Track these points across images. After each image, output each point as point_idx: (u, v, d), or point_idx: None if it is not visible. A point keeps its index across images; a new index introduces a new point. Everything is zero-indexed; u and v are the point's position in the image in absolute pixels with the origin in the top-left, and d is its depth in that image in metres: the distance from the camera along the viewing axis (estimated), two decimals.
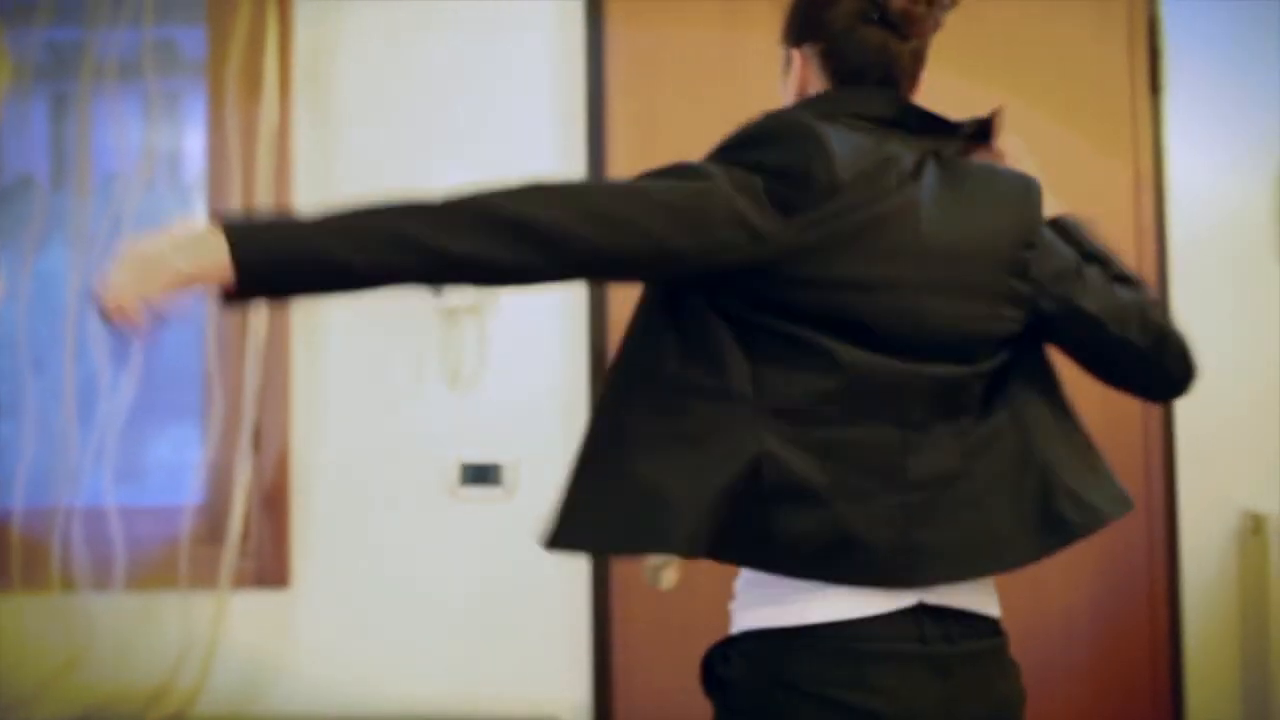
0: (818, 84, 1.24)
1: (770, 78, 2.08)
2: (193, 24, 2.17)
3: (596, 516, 1.10)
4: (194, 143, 2.20)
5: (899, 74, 1.24)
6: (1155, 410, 2.04)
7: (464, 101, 2.11)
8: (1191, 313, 2.06)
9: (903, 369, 1.12)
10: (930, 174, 1.18)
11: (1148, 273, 2.06)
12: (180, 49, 2.24)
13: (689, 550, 1.06)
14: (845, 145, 1.11)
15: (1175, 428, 2.05)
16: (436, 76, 2.12)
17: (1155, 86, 2.08)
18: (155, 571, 2.03)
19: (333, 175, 2.12)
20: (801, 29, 1.25)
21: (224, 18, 2.10)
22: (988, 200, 1.23)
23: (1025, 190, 1.27)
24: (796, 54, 1.26)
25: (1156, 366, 1.29)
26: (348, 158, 2.12)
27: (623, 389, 1.14)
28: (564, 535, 1.12)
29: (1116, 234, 2.07)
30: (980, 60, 2.09)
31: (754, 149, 1.11)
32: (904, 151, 1.17)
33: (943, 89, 2.05)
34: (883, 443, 1.11)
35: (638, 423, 1.11)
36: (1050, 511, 1.16)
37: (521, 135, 2.11)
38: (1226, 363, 2.06)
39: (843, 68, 1.23)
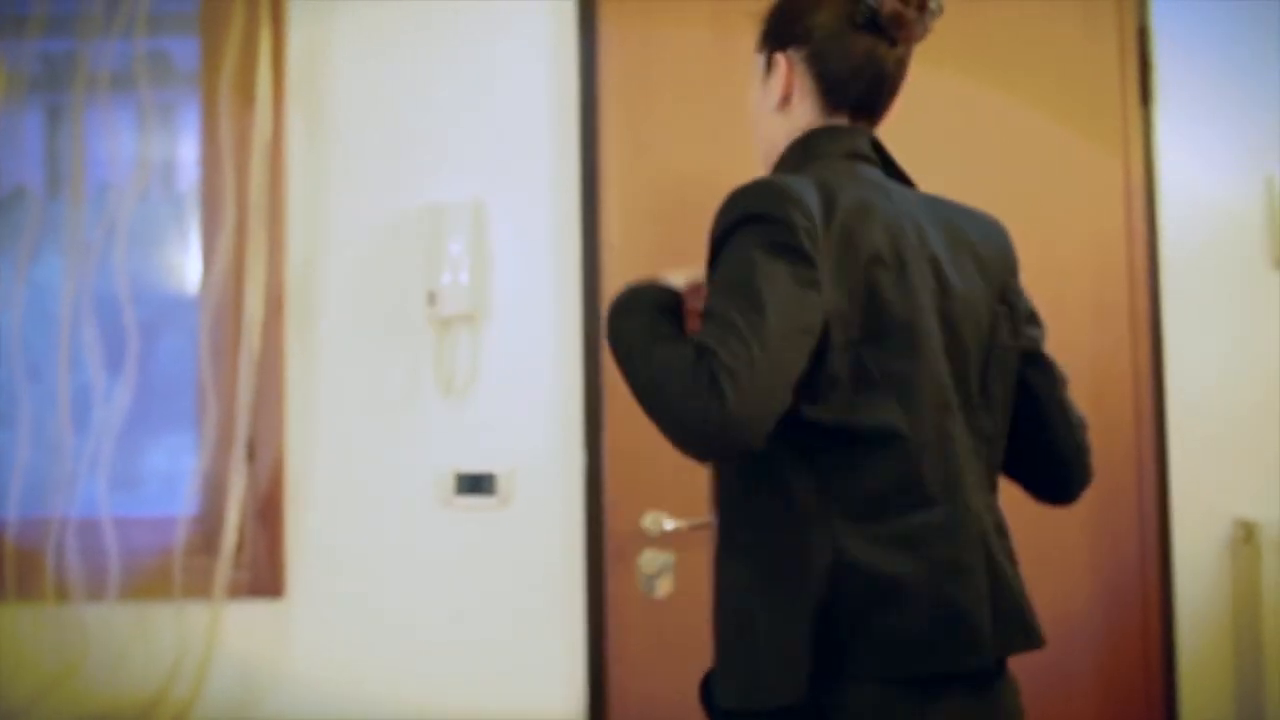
0: (803, 90, 1.24)
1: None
2: (186, 35, 2.17)
3: (738, 679, 1.14)
4: (187, 153, 2.20)
5: (884, 81, 1.24)
6: (1148, 418, 2.05)
7: (457, 111, 2.11)
8: (1184, 321, 2.07)
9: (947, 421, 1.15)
10: (923, 210, 1.21)
11: (1139, 282, 2.07)
12: (173, 60, 2.24)
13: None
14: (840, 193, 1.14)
15: (1168, 435, 2.05)
16: (429, 86, 2.12)
17: (1146, 97, 2.09)
18: (150, 581, 2.03)
19: (326, 186, 2.12)
20: (786, 33, 1.24)
21: (217, 29, 2.10)
22: (981, 236, 1.26)
23: (1002, 228, 1.32)
24: (781, 58, 1.24)
25: (1080, 451, 1.31)
26: (341, 168, 2.12)
27: (724, 534, 1.19)
28: (723, 697, 1.15)
29: (1109, 243, 2.08)
30: (971, 69, 2.09)
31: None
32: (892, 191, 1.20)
33: (937, 104, 2.06)
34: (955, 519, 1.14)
35: (738, 570, 1.15)
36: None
37: (515, 143, 2.11)
38: (1219, 371, 2.06)
39: (828, 73, 1.22)
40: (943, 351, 1.15)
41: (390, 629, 2.05)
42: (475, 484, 2.06)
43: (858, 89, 1.23)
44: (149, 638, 2.04)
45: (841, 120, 1.25)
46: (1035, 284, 2.06)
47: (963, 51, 2.09)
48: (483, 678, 2.04)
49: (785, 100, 1.25)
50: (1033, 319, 1.32)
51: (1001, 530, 1.21)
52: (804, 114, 1.25)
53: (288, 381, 2.08)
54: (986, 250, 1.26)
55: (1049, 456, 1.31)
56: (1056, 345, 2.06)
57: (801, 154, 1.22)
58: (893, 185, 1.23)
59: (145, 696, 2.00)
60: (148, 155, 2.12)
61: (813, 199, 1.10)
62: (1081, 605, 2.03)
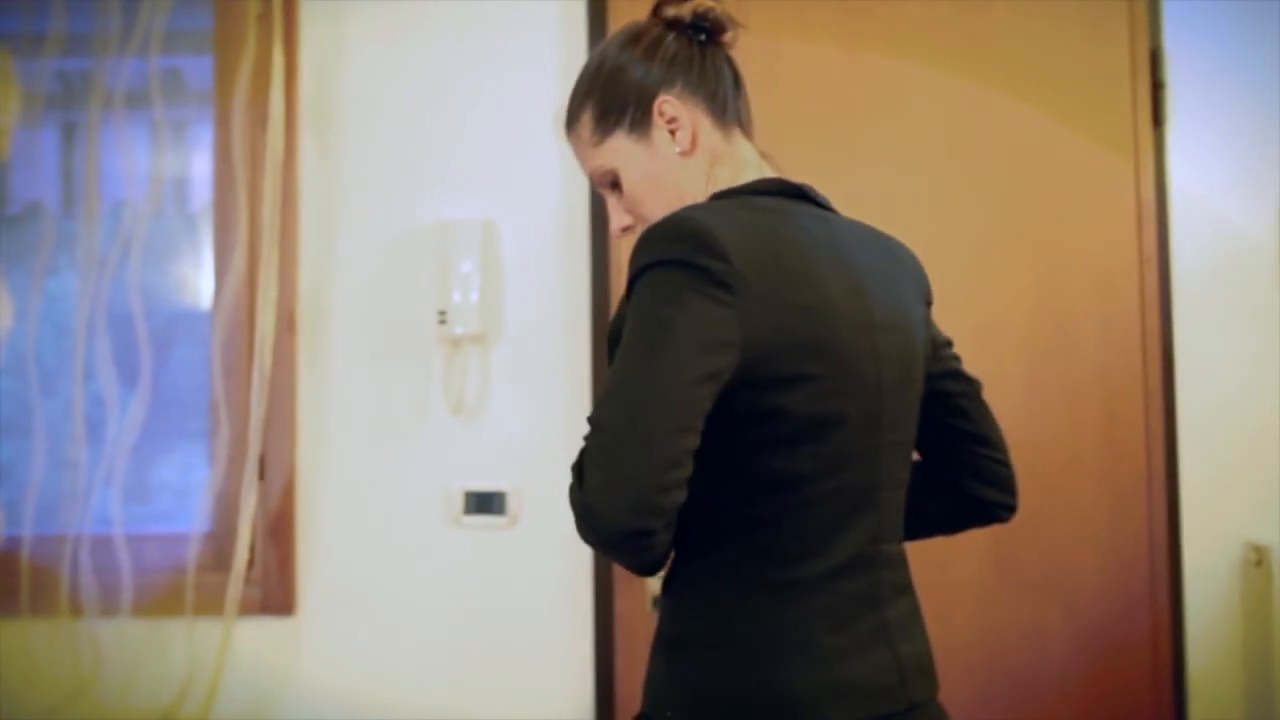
0: (697, 122, 1.17)
1: (768, 81, 2.10)
2: (200, 54, 2.19)
3: None
4: (201, 170, 2.22)
5: (742, 85, 1.22)
6: (1158, 442, 2.04)
7: (467, 130, 2.12)
8: (1195, 343, 2.07)
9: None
10: (851, 238, 1.16)
11: (1151, 303, 2.06)
12: (187, 78, 2.26)
13: None
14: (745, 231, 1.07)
15: (1179, 459, 2.04)
16: (440, 106, 2.13)
17: (1158, 118, 2.08)
18: (162, 598, 2.04)
19: (338, 203, 2.13)
20: (646, 83, 1.17)
21: (231, 48, 2.12)
22: (904, 266, 1.23)
23: (910, 252, 1.27)
24: (667, 104, 1.16)
25: (1003, 467, 1.28)
26: (352, 187, 2.13)
27: None
28: None
29: (1120, 264, 2.07)
30: (983, 89, 2.09)
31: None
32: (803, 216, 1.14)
33: (951, 126, 2.06)
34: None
35: None
36: None
37: (525, 162, 2.11)
38: (1230, 394, 2.06)
39: (717, 93, 1.19)
40: (875, 387, 1.11)
41: (400, 646, 2.06)
42: (485, 502, 2.07)
43: (735, 99, 1.20)
44: (161, 654, 2.06)
45: (737, 136, 1.20)
46: (1046, 304, 2.08)
47: (975, 73, 2.09)
48: (492, 695, 2.05)
49: (694, 141, 1.17)
50: (948, 344, 1.29)
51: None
52: (709, 143, 1.18)
53: (299, 400, 2.09)
54: (910, 280, 1.22)
55: (986, 458, 1.27)
56: (1067, 365, 2.07)
57: (738, 193, 1.16)
58: (823, 214, 1.17)
59: (157, 712, 2.02)
60: (161, 172, 2.13)
61: (732, 233, 1.03)
62: (1091, 626, 2.03)
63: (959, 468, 1.27)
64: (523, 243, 2.10)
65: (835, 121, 2.10)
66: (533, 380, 2.09)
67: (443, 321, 2.06)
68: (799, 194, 1.17)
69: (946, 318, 2.05)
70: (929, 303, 1.27)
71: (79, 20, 2.09)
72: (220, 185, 2.15)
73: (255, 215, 2.09)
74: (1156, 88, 2.08)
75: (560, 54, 2.12)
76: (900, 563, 1.16)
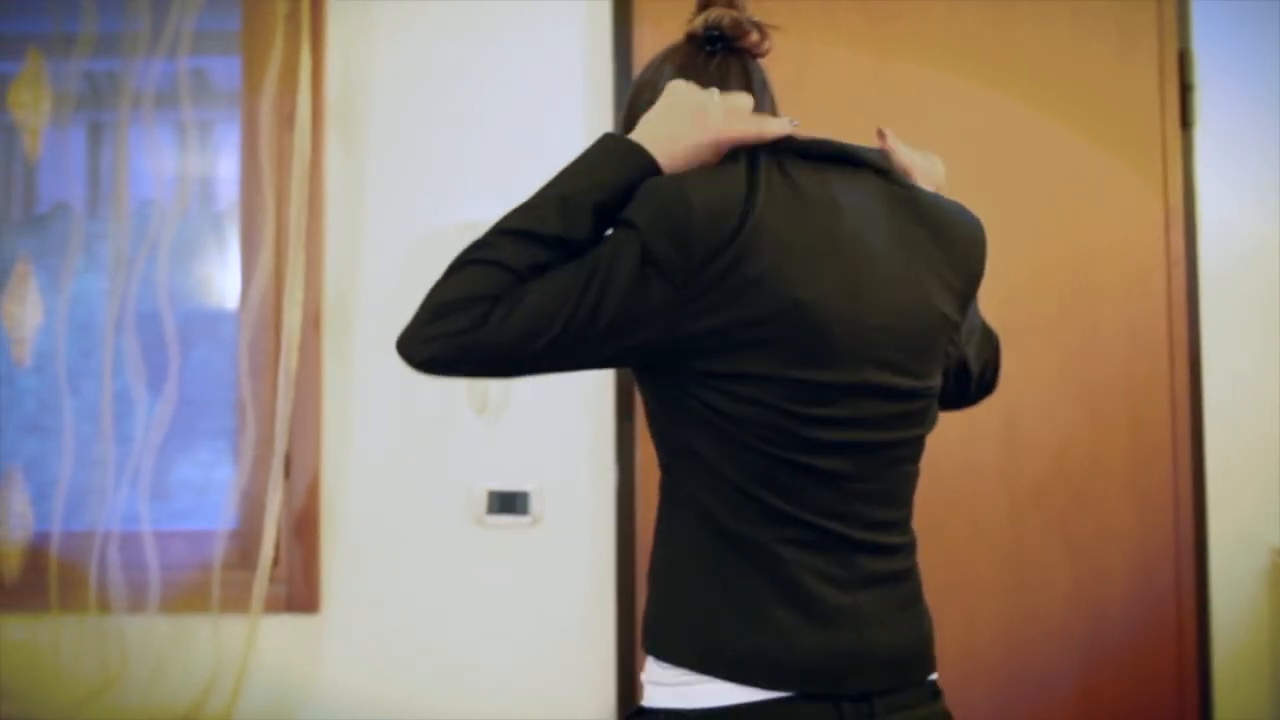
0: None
1: (796, 81, 2.10)
2: (227, 54, 2.20)
3: None
4: (227, 170, 2.23)
5: (753, 89, 1.21)
6: (1184, 445, 2.03)
7: (493, 131, 2.13)
8: (1222, 345, 2.05)
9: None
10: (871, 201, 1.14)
11: (1178, 307, 2.05)
12: (214, 79, 2.27)
13: None
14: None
15: (1205, 462, 2.03)
16: (466, 106, 2.14)
17: (1186, 121, 2.07)
18: (188, 595, 2.06)
19: (364, 203, 2.14)
20: (708, 46, 1.20)
21: (258, 49, 2.13)
22: (937, 237, 1.17)
23: (970, 222, 1.22)
24: (733, 63, 1.20)
25: (978, 383, 1.32)
26: (378, 188, 2.14)
27: None
28: None
29: (1147, 266, 2.06)
30: (1009, 92, 2.08)
31: None
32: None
33: (975, 125, 2.05)
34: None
35: None
36: None
37: (550, 162, 2.10)
38: (1257, 396, 2.04)
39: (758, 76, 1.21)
40: (857, 382, 1.09)
41: (423, 644, 2.07)
42: (508, 502, 2.07)
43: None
44: (187, 650, 2.07)
45: None
46: (1073, 306, 2.07)
47: (1001, 74, 2.09)
48: (515, 694, 2.06)
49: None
50: (971, 331, 1.28)
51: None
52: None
53: (324, 399, 2.11)
54: (946, 261, 1.17)
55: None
56: (1093, 367, 2.06)
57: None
58: (856, 185, 1.14)
59: (182, 708, 2.03)
60: (188, 173, 2.15)
61: (716, 219, 1.04)
62: (1116, 628, 2.02)
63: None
64: None
65: (861, 122, 2.09)
66: (556, 380, 2.09)
67: None
68: (841, 157, 1.15)
69: None
70: (975, 281, 1.22)
71: (108, 21, 2.11)
72: (247, 185, 2.16)
73: (281, 215, 2.10)
74: (1185, 90, 2.07)
75: (585, 56, 2.13)
76: (889, 552, 1.14)
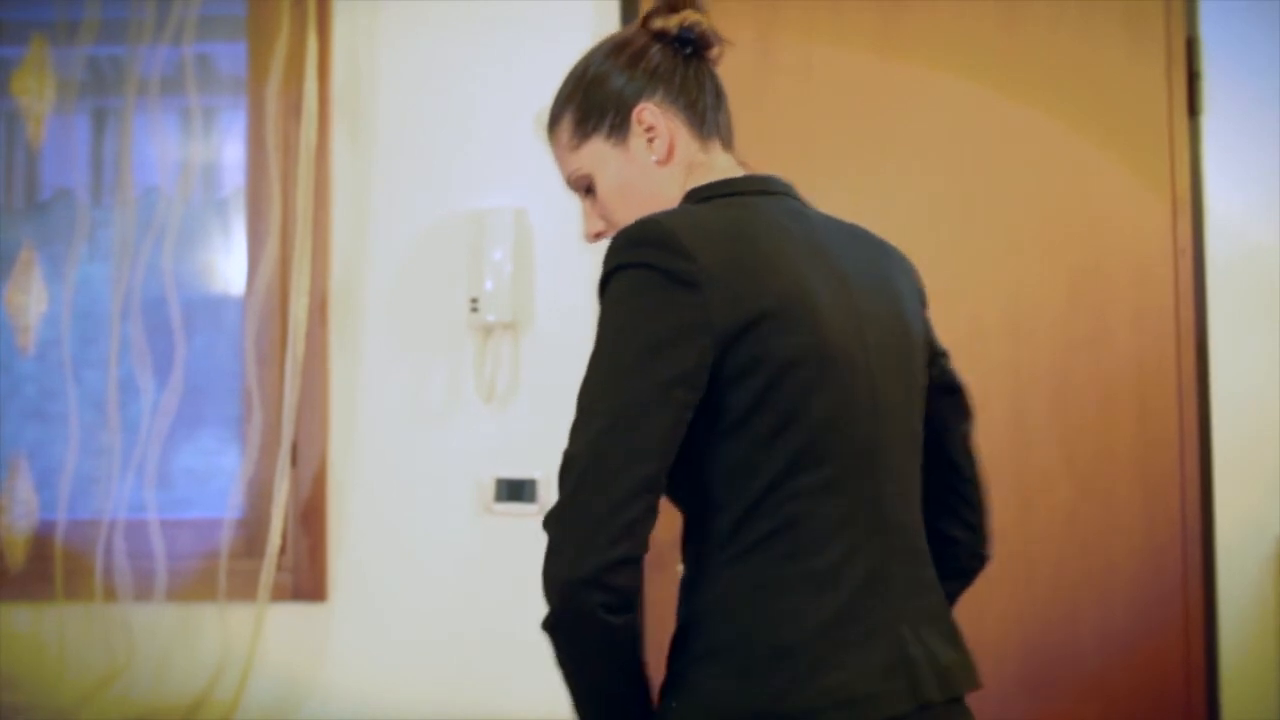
0: (676, 132, 1.17)
1: (804, 82, 2.10)
2: (233, 40, 2.19)
3: None
4: (232, 158, 2.22)
5: (725, 99, 1.22)
6: (1191, 435, 2.03)
7: (500, 118, 2.12)
8: (1229, 335, 2.06)
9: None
10: (842, 239, 1.15)
11: (1185, 294, 2.05)
12: (220, 65, 2.26)
13: None
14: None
15: (1212, 451, 2.04)
16: (473, 93, 2.13)
17: (1193, 109, 2.07)
18: (195, 583, 2.05)
19: (370, 192, 2.13)
20: (626, 90, 1.18)
21: (264, 35, 2.12)
22: (883, 254, 1.21)
23: (900, 252, 1.24)
24: (645, 111, 1.17)
25: (984, 508, 1.28)
26: (384, 175, 2.13)
27: None
28: None
29: (1154, 254, 2.07)
30: (1016, 80, 2.08)
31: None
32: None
33: (981, 110, 2.05)
34: None
35: None
36: None
37: None
38: (1265, 387, 2.05)
39: (698, 103, 1.19)
40: (865, 374, 1.09)
41: (430, 633, 2.07)
42: (516, 490, 2.07)
43: (715, 112, 1.20)
44: (193, 639, 2.06)
45: (716, 149, 1.20)
46: (1080, 295, 2.07)
47: (1007, 64, 2.09)
48: (522, 683, 2.05)
49: (671, 150, 1.17)
50: (944, 355, 1.25)
51: None
52: (686, 154, 1.18)
53: (331, 387, 2.10)
54: (902, 275, 1.21)
55: (953, 508, 1.25)
56: (1100, 357, 2.06)
57: (707, 192, 1.16)
58: (798, 208, 1.16)
59: (189, 698, 2.02)
60: (192, 160, 2.14)
61: (697, 231, 1.04)
62: (1124, 619, 2.02)
63: (931, 500, 1.21)
64: (554, 231, 2.10)
65: (867, 114, 2.09)
66: (564, 367, 2.08)
67: (475, 309, 2.06)
68: (768, 188, 1.16)
69: (980, 310, 2.06)
70: (925, 304, 1.24)
71: (113, 7, 2.10)
72: (253, 172, 2.15)
73: (288, 202, 2.09)
74: (1192, 77, 2.07)
75: (594, 43, 2.12)
76: (918, 560, 1.13)
